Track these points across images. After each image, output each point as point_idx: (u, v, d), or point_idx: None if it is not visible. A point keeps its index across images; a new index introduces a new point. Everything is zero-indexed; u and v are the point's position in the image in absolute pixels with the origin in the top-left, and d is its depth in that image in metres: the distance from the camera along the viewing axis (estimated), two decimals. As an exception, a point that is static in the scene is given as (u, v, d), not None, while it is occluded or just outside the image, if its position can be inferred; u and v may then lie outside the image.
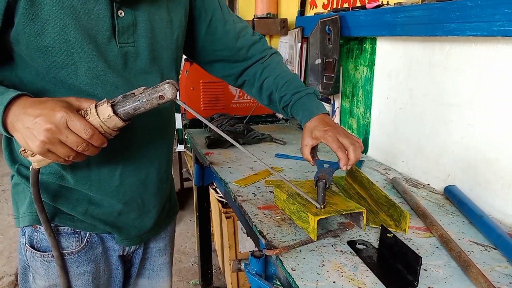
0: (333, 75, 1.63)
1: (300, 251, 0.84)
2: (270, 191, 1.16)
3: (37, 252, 0.90)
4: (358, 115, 1.60)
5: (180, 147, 2.33)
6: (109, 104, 0.67)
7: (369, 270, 0.78)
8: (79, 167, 0.84)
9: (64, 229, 0.90)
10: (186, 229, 3.02)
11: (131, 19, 0.80)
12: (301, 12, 2.09)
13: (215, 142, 1.62)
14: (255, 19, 2.33)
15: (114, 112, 0.67)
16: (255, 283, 0.88)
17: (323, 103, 1.80)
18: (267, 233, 0.91)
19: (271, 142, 1.73)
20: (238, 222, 2.03)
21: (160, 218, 1.03)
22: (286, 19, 2.22)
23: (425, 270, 0.78)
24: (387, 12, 1.28)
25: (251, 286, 0.91)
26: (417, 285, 0.73)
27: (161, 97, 0.68)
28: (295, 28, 2.02)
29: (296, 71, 1.98)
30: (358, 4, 1.57)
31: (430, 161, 1.24)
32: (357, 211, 0.91)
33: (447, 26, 1.05)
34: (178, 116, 2.17)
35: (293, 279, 0.75)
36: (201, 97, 2.03)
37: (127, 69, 0.83)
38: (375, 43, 1.45)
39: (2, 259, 2.65)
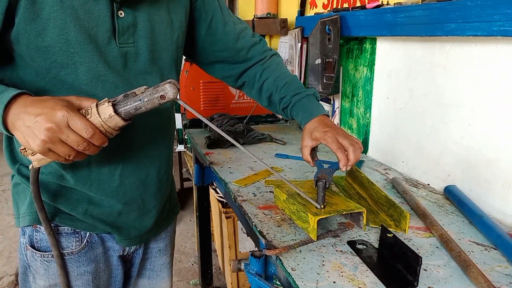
0: (333, 75, 1.63)
1: (300, 251, 0.84)
2: (270, 191, 1.16)
3: (37, 252, 0.90)
4: (358, 115, 1.60)
5: (180, 147, 2.32)
6: (110, 104, 0.67)
7: (369, 270, 0.78)
8: (79, 167, 0.84)
9: (64, 229, 0.90)
10: (186, 229, 3.02)
11: (131, 19, 0.81)
12: (301, 12, 2.09)
13: (215, 142, 1.62)
14: (255, 19, 2.33)
15: (115, 111, 0.67)
16: (255, 283, 0.88)
17: (323, 103, 1.81)
18: (267, 233, 0.92)
19: (271, 142, 1.73)
20: (238, 222, 2.03)
21: (160, 218, 1.03)
22: (286, 19, 2.22)
23: (425, 270, 0.78)
24: (387, 12, 1.28)
25: (251, 286, 0.91)
26: (417, 285, 0.73)
27: (162, 97, 0.68)
28: (295, 28, 2.02)
29: (296, 71, 1.99)
30: (358, 4, 1.57)
31: (430, 161, 1.24)
32: (357, 211, 0.91)
33: (447, 26, 1.05)
34: (178, 116, 2.17)
35: (293, 279, 0.75)
36: (201, 97, 2.03)
37: (127, 69, 0.83)
38: (375, 43, 1.45)
39: (2, 259, 2.65)
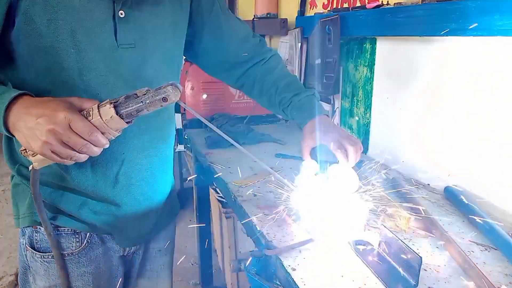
0: (333, 75, 1.63)
1: (300, 251, 0.84)
2: (270, 191, 1.16)
3: (37, 252, 0.89)
4: (358, 115, 1.60)
5: (180, 147, 2.32)
6: (112, 105, 0.67)
7: (369, 270, 0.78)
8: (79, 167, 0.84)
9: (64, 229, 0.90)
10: (186, 229, 3.02)
11: (132, 20, 0.81)
12: (301, 12, 2.09)
13: (215, 142, 1.62)
14: (255, 19, 2.33)
15: (117, 113, 0.67)
16: (255, 283, 0.88)
17: (323, 103, 1.80)
18: (267, 233, 0.91)
19: (271, 142, 1.72)
20: (238, 222, 2.03)
21: (160, 219, 1.03)
22: (286, 19, 2.22)
23: (425, 270, 0.78)
24: (387, 12, 1.28)
25: (251, 286, 0.91)
26: (417, 285, 0.73)
27: (164, 99, 0.67)
28: (295, 28, 2.02)
29: (296, 71, 1.98)
30: (358, 4, 1.57)
31: (430, 161, 1.24)
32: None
33: (447, 26, 1.05)
34: (178, 116, 2.17)
35: (293, 279, 0.75)
36: (201, 97, 2.03)
37: (127, 69, 0.83)
38: (375, 43, 1.45)
39: (2, 259, 2.65)
